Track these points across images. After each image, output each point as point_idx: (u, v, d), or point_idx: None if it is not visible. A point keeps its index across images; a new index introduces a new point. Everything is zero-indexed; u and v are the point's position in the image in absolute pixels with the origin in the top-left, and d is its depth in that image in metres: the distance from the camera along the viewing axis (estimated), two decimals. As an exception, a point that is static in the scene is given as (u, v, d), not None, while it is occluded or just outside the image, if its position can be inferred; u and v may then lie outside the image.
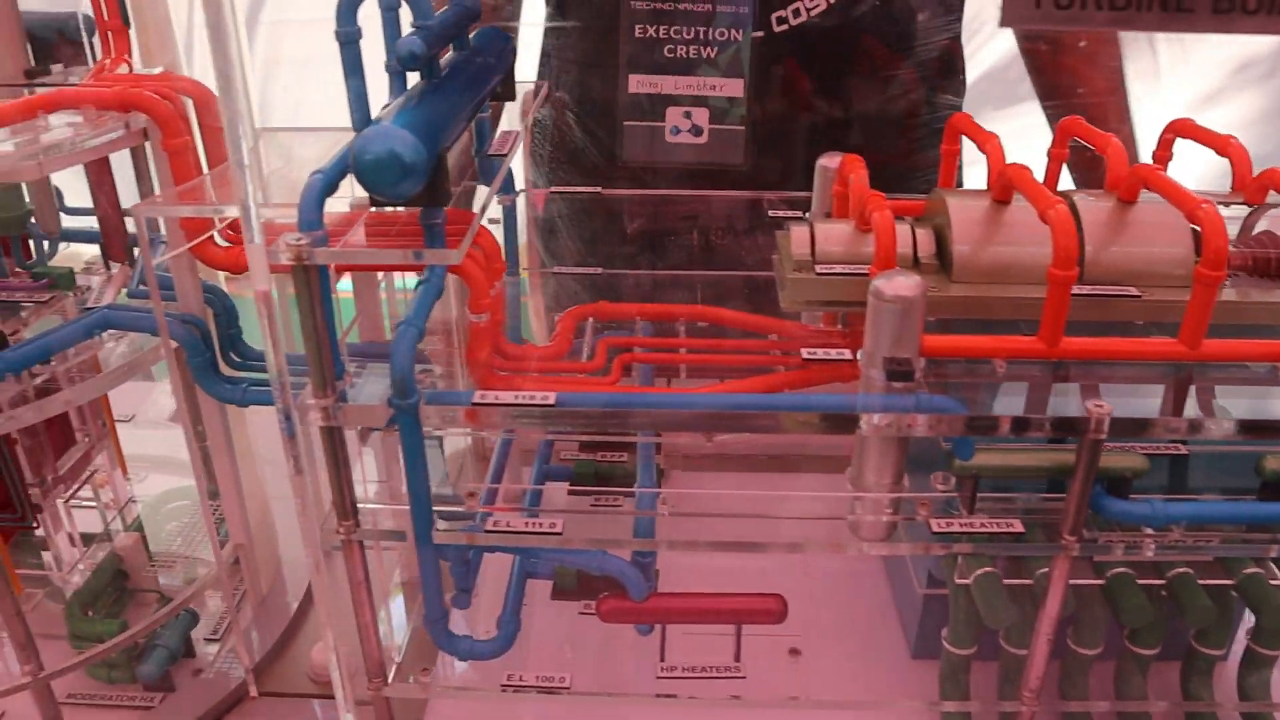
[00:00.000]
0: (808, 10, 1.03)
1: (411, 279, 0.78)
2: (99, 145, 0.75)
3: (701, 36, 1.01)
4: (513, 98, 0.87)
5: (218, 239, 0.81)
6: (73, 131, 0.74)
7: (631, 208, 1.16)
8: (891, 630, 0.94)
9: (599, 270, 1.07)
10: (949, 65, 1.17)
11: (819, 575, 1.01)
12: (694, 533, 0.77)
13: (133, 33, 0.87)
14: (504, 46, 0.86)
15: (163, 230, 0.91)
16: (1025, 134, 1.04)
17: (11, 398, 0.76)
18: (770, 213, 0.99)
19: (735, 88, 1.03)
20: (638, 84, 1.03)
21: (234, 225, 0.80)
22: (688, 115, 1.05)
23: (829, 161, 0.92)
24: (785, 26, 1.03)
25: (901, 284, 0.65)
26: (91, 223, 0.99)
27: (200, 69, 0.84)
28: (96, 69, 0.84)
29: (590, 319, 0.94)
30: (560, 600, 0.86)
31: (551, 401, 0.67)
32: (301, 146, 0.91)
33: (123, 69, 0.85)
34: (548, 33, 1.17)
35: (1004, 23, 0.60)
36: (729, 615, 0.80)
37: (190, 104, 0.79)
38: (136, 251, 0.94)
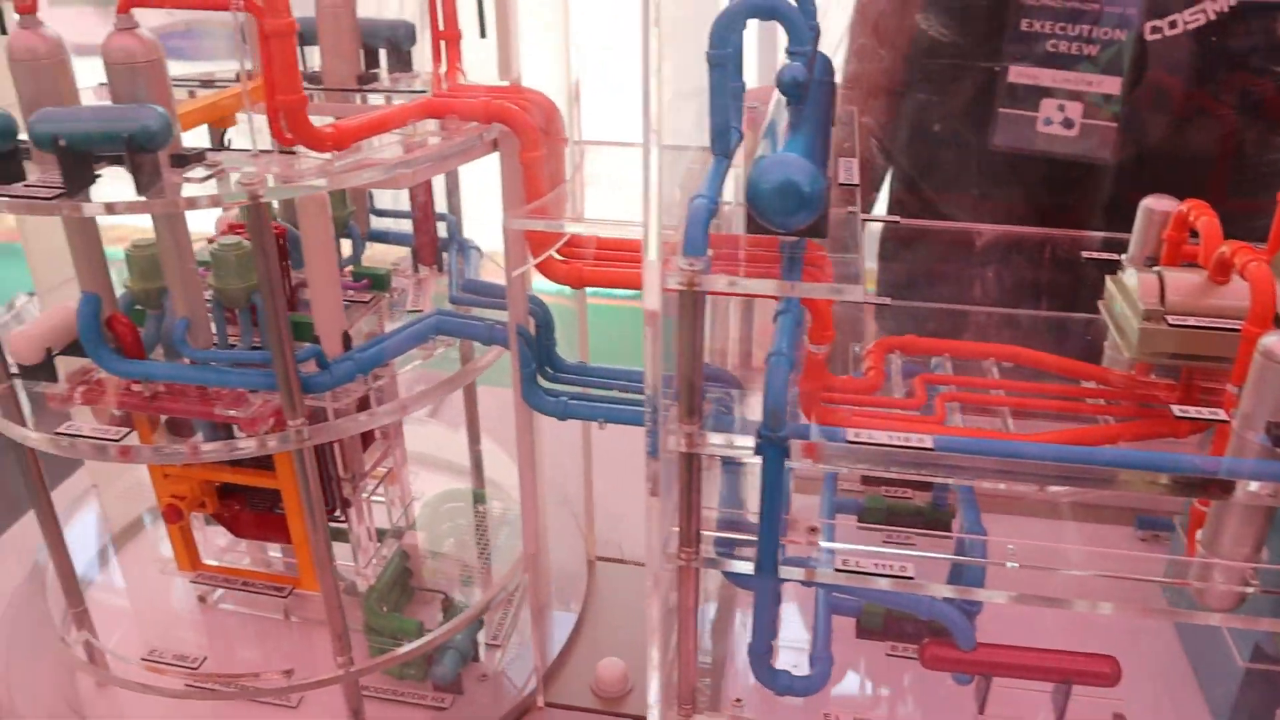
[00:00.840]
0: (1184, 23, 1.02)
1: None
2: (461, 155, 0.75)
3: (1085, 34, 1.04)
4: (833, 123, 0.86)
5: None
6: (440, 141, 0.75)
7: (928, 237, 1.16)
8: (1192, 699, 0.90)
9: (888, 301, 1.05)
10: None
11: (1097, 632, 0.97)
12: (1020, 584, 0.74)
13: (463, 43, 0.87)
14: (831, 69, 0.85)
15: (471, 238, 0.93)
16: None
17: (361, 398, 0.77)
18: (1084, 254, 0.95)
19: (1112, 85, 1.05)
20: (1017, 75, 1.07)
21: (571, 241, 0.81)
22: (1061, 108, 1.08)
23: (1155, 203, 0.88)
24: (1159, 36, 1.03)
25: (1293, 345, 0.61)
26: (389, 224, 1.02)
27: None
28: (435, 78, 0.85)
29: (896, 352, 0.92)
30: (865, 639, 0.84)
31: (928, 445, 0.65)
32: (609, 162, 0.91)
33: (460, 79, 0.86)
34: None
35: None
36: (1059, 674, 0.77)
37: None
38: (445, 256, 0.96)
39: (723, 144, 0.74)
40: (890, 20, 1.15)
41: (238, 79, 0.90)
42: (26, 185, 0.67)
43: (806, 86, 0.70)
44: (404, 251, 0.99)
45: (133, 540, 1.10)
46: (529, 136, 0.75)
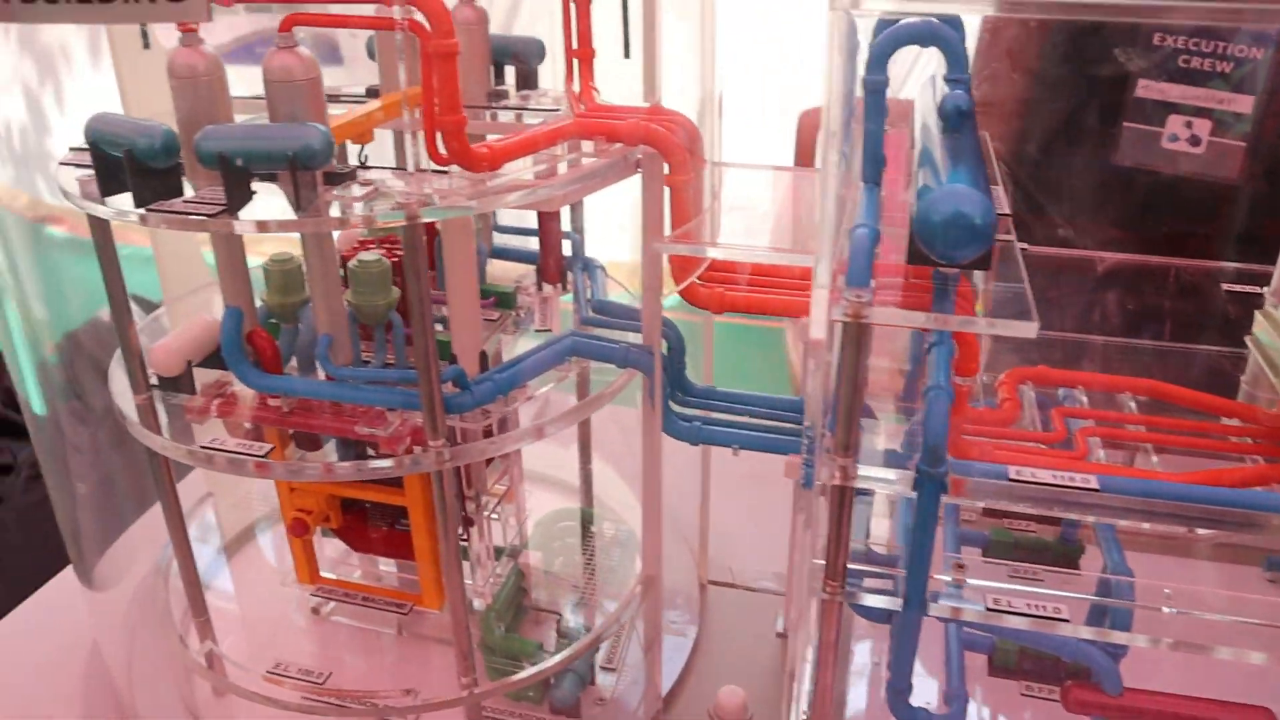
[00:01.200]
0: None
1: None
2: (608, 176, 0.75)
3: (1219, 50, 1.02)
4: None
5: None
6: (590, 162, 0.74)
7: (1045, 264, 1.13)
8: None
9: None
10: None
11: (1235, 679, 0.94)
12: (1171, 629, 0.72)
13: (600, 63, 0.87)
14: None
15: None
16: None
17: (501, 419, 0.77)
18: (1225, 286, 0.93)
19: (1244, 103, 1.03)
20: (1145, 89, 1.06)
21: (712, 265, 0.80)
22: (1189, 125, 1.06)
23: (1298, 238, 0.86)
24: None
25: None
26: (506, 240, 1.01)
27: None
28: (572, 98, 0.84)
29: (1029, 383, 0.90)
30: (998, 677, 0.82)
31: (1093, 486, 0.63)
32: (737, 184, 0.91)
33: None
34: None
35: None
36: (1210, 723, 0.74)
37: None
38: (570, 275, 0.95)
39: (874, 171, 0.73)
40: (1023, 42, 1.14)
41: (368, 95, 0.91)
42: (187, 201, 0.67)
43: (970, 115, 0.69)
44: (523, 268, 0.99)
45: (244, 549, 1.11)
46: (677, 159, 0.74)
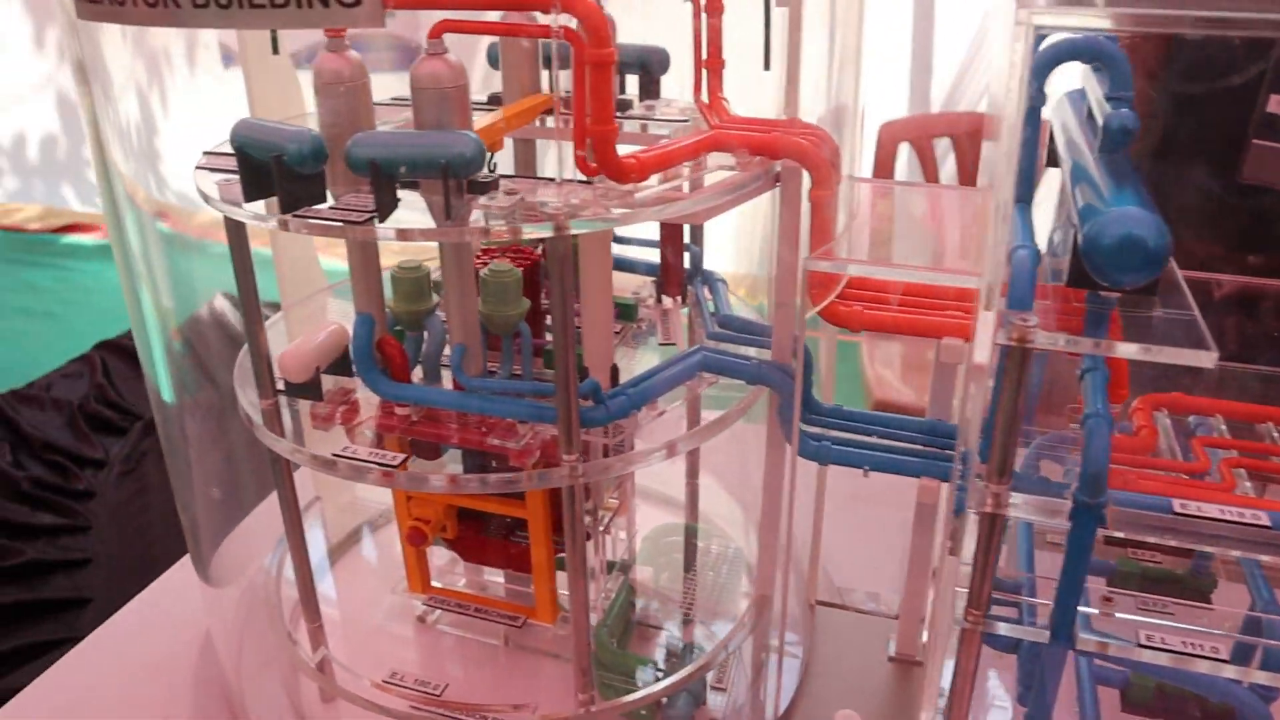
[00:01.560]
0: None
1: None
2: (751, 190, 0.73)
3: None
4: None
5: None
6: (733, 176, 0.73)
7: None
8: None
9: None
10: None
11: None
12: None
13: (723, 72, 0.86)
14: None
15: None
16: None
17: (631, 435, 0.75)
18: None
19: None
20: (1278, 104, 1.00)
21: (852, 283, 0.78)
22: None
23: None
24: None
25: None
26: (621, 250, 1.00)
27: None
28: (703, 109, 0.83)
29: (1164, 410, 0.87)
30: (1132, 714, 0.80)
31: (1264, 523, 0.61)
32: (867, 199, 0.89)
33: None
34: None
35: None
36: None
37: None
38: (690, 288, 0.94)
39: (1026, 189, 0.71)
40: (1149, 55, 1.11)
41: (489, 102, 0.90)
42: (334, 208, 0.67)
43: (1135, 135, 0.66)
44: (638, 279, 0.97)
45: (348, 553, 1.11)
46: (822, 174, 0.73)
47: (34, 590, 1.61)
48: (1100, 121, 0.67)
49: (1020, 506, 0.65)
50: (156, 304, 0.87)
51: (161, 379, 0.91)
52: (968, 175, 2.32)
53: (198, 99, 0.97)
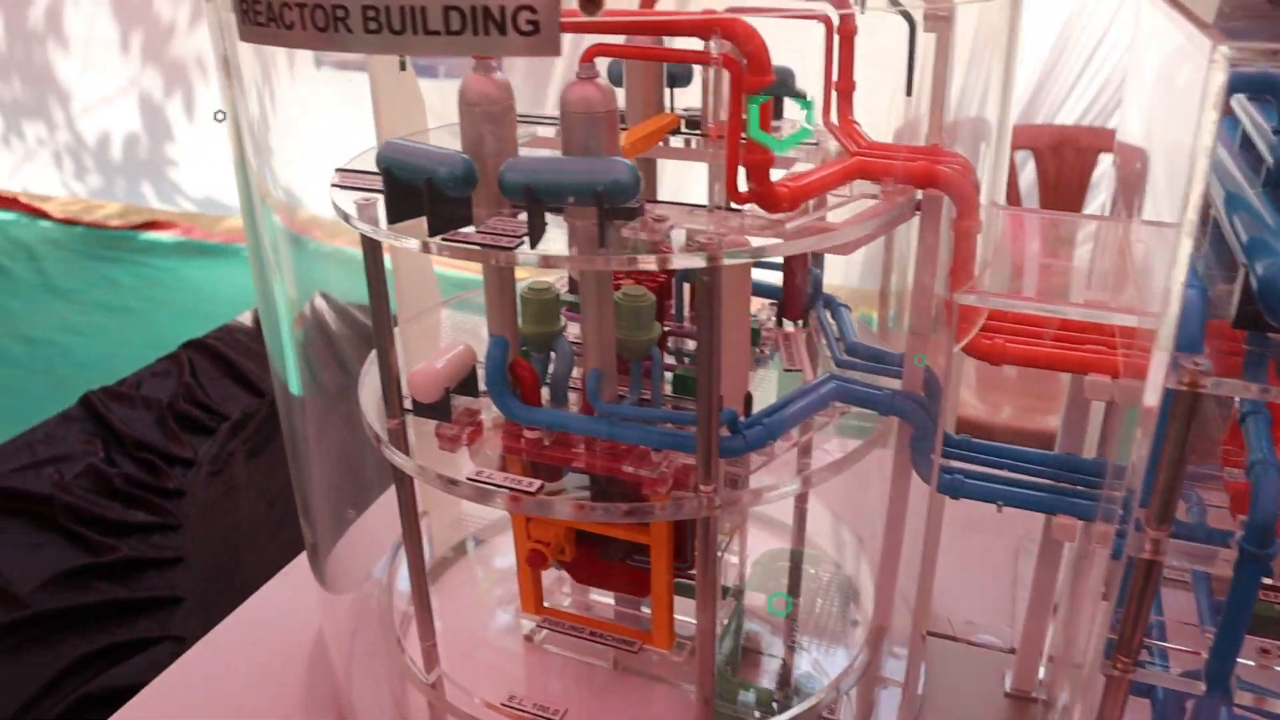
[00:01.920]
0: None
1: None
2: (895, 220, 0.72)
3: None
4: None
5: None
6: (875, 204, 0.71)
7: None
8: None
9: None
10: None
11: None
12: None
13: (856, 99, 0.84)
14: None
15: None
16: None
17: (757, 465, 0.74)
18: None
19: None
20: None
21: (995, 314, 0.77)
22: None
23: None
24: None
25: None
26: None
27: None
28: (840, 134, 0.82)
29: None
30: (1274, 766, 0.77)
31: None
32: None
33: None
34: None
35: None
36: None
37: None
38: (814, 313, 0.93)
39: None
40: None
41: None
42: (482, 232, 0.66)
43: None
44: (757, 303, 0.96)
45: (452, 567, 1.11)
46: (968, 204, 0.71)
47: (129, 588, 1.63)
48: (1269, 156, 0.65)
49: (1178, 553, 0.63)
50: (285, 299, 0.88)
51: (291, 371, 0.92)
52: (1048, 189, 2.29)
53: (318, 97, 0.98)
